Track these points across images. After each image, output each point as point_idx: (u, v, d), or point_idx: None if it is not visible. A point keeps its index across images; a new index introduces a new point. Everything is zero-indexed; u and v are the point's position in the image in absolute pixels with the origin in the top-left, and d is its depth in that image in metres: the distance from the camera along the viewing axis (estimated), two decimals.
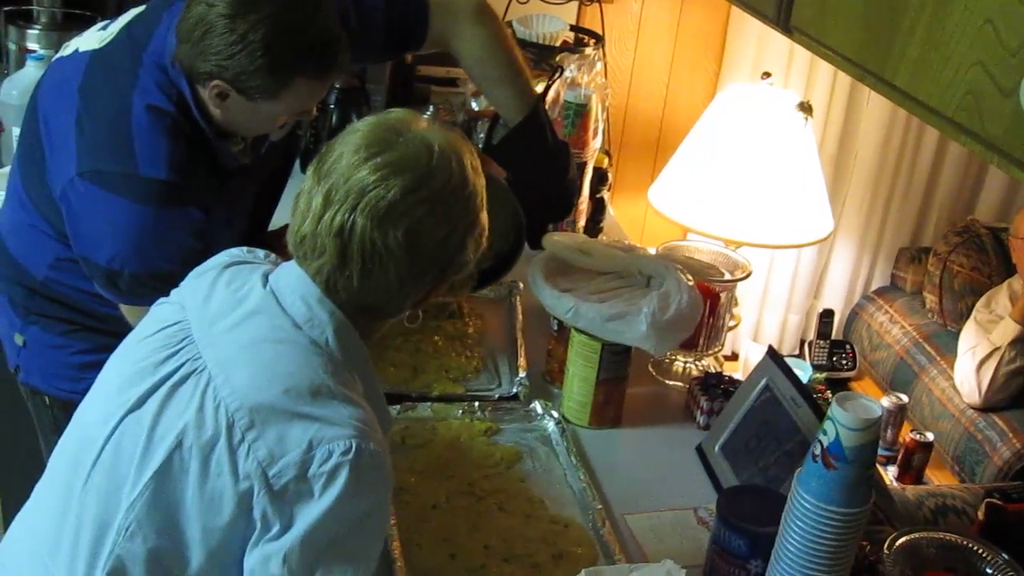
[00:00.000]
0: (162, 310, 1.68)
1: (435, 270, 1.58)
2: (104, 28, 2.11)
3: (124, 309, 2.11)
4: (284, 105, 1.97)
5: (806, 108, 3.23)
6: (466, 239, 1.59)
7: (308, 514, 1.45)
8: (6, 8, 3.13)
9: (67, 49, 2.15)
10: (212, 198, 2.06)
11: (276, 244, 1.67)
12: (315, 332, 1.55)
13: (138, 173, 1.96)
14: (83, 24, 3.09)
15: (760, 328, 4.36)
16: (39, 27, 3.12)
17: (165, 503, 1.50)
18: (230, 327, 1.57)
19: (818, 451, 1.48)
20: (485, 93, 2.58)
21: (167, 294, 1.69)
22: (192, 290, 1.67)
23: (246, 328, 1.56)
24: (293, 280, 1.58)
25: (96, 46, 2.07)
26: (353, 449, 1.45)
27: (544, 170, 2.39)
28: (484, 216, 1.63)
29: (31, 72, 2.96)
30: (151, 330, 1.65)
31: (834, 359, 4.23)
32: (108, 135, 1.99)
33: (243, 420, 1.47)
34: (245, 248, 1.75)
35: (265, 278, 1.62)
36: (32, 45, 3.10)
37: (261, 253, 1.74)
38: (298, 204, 1.57)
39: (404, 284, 1.55)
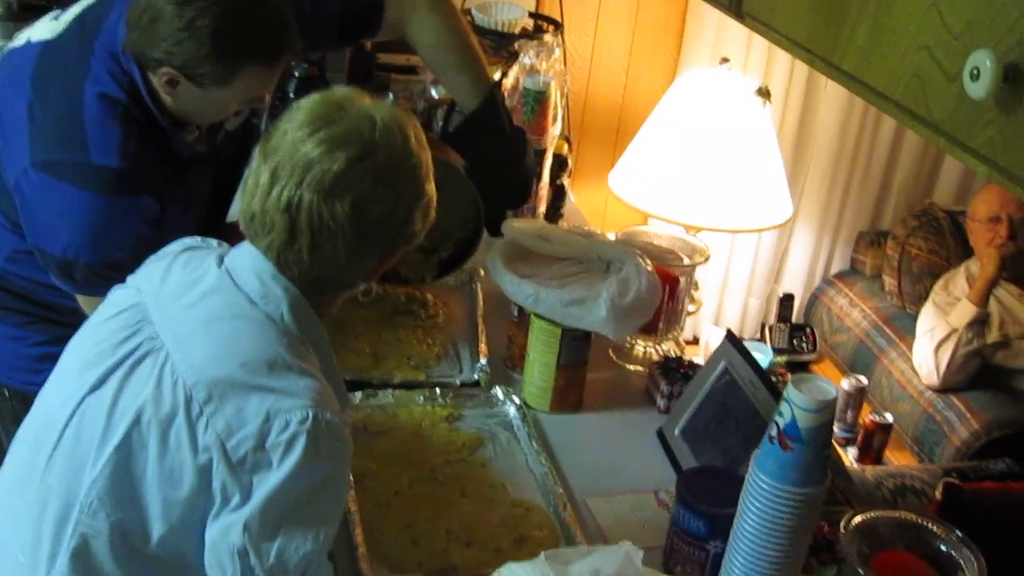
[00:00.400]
0: (119, 294, 1.70)
1: (383, 241, 1.61)
2: (56, 18, 2.10)
3: (80, 300, 2.10)
4: (235, 92, 1.97)
5: (764, 93, 3.25)
6: (413, 209, 1.61)
7: (267, 483, 1.47)
8: None
9: (19, 40, 2.14)
10: (167, 187, 2.05)
11: (232, 235, 1.67)
12: (270, 307, 1.57)
13: (91, 162, 1.95)
14: (39, 14, 3.06)
15: (721, 312, 4.39)
16: None
17: (126, 478, 1.52)
18: (187, 306, 1.59)
19: (774, 432, 1.49)
20: (441, 81, 2.58)
21: (122, 282, 1.71)
22: (148, 274, 1.69)
23: (202, 306, 1.59)
24: (247, 258, 1.60)
25: (48, 36, 2.06)
26: (310, 418, 1.48)
27: (501, 157, 2.39)
28: (431, 187, 1.65)
29: None
30: (109, 313, 1.67)
31: (795, 342, 4.26)
32: (60, 124, 1.98)
33: (201, 394, 1.49)
34: (198, 238, 1.76)
35: (220, 259, 1.64)
36: None
37: (214, 242, 1.75)
38: (247, 183, 1.60)
39: (353, 256, 1.58)
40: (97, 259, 2.00)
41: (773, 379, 2.15)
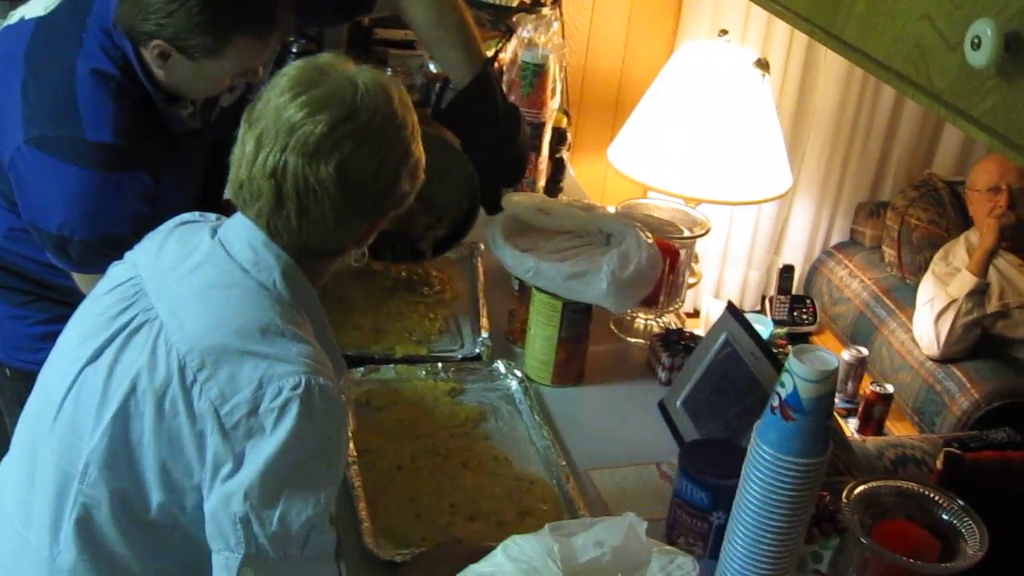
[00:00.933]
0: (116, 270, 1.70)
1: (371, 203, 1.61)
2: None
3: (76, 278, 2.10)
4: (227, 64, 1.96)
5: (763, 65, 3.24)
6: (399, 170, 1.61)
7: (263, 449, 1.48)
8: None
9: (12, 18, 2.14)
10: (162, 162, 2.05)
11: (230, 212, 1.68)
12: (263, 275, 1.58)
13: (85, 138, 1.95)
14: None
15: (721, 284, 4.39)
16: None
17: (123, 447, 1.54)
18: (180, 277, 1.60)
19: (776, 403, 1.50)
20: (435, 56, 2.59)
21: (119, 258, 1.71)
22: (144, 248, 1.70)
23: (196, 277, 1.59)
24: (239, 228, 1.61)
25: (41, 13, 2.06)
26: (303, 384, 1.48)
27: (495, 132, 2.39)
28: (418, 148, 1.65)
29: None
30: (107, 287, 1.68)
31: (795, 314, 4.27)
32: (54, 101, 1.98)
33: (194, 362, 1.50)
34: (197, 212, 1.77)
35: (213, 231, 1.65)
36: None
37: (212, 216, 1.76)
38: (234, 153, 1.61)
39: (341, 219, 1.58)
40: (92, 236, 2.00)
41: (774, 351, 2.16)
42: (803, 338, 4.19)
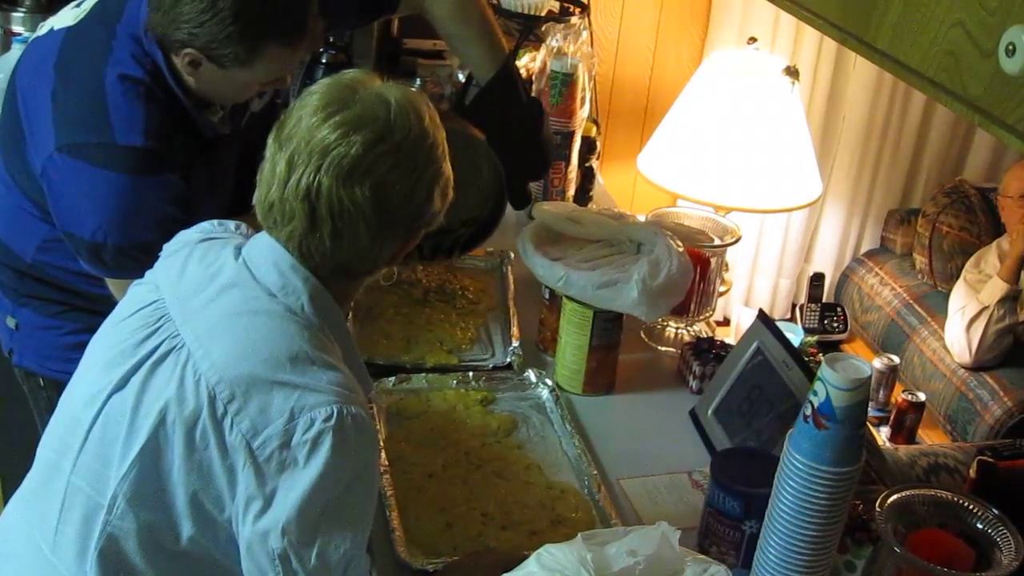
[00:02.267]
0: (137, 291, 1.69)
1: (404, 223, 1.59)
2: (78, 5, 2.12)
3: (111, 285, 2.11)
4: (257, 73, 1.97)
5: (792, 72, 3.23)
6: (432, 190, 1.59)
7: (298, 483, 1.46)
8: None
9: (42, 29, 2.16)
10: (192, 167, 2.06)
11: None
12: (290, 299, 1.56)
13: (115, 142, 1.96)
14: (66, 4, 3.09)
15: (751, 293, 4.38)
16: (24, 10, 3.11)
17: (153, 479, 1.52)
18: (205, 302, 1.58)
19: (809, 412, 1.49)
20: (457, 52, 2.63)
21: (151, 265, 1.70)
22: (165, 269, 1.68)
23: (221, 302, 1.57)
24: (265, 249, 1.59)
25: (71, 23, 2.08)
26: (335, 415, 1.47)
27: (519, 125, 2.41)
28: (448, 166, 1.64)
29: (17, 55, 2.95)
30: (128, 311, 1.65)
31: (825, 322, 4.25)
32: (83, 107, 1.99)
33: (224, 393, 1.48)
34: (216, 221, 1.76)
35: (237, 251, 1.63)
36: (18, 28, 3.09)
37: (232, 225, 1.75)
38: (263, 172, 1.59)
39: (376, 240, 1.56)
40: (125, 240, 2.01)
41: (805, 359, 2.15)
42: (834, 346, 4.17)
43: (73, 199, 2.03)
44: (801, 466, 1.51)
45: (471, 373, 2.23)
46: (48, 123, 2.01)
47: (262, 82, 2.04)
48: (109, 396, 1.57)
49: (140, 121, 1.98)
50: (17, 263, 2.25)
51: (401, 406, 2.13)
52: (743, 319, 3.75)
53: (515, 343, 2.34)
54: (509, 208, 2.75)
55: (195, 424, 1.49)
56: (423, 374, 2.22)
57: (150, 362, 1.56)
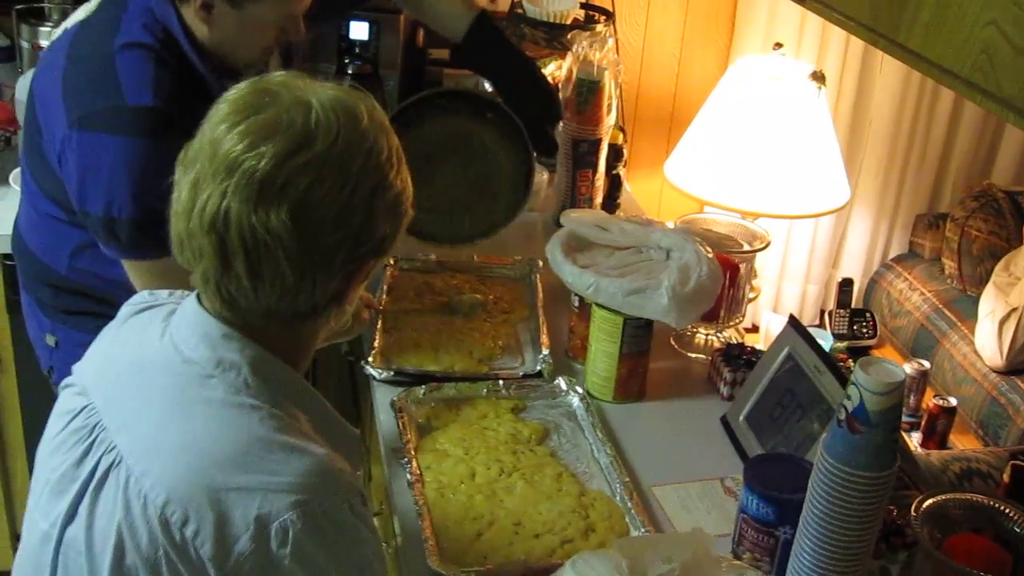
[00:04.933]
0: (66, 398, 1.49)
1: (340, 253, 1.33)
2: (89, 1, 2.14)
3: (130, 271, 2.07)
4: (270, 8, 1.98)
5: (819, 77, 3.22)
6: (374, 206, 1.34)
7: None
8: (18, 6, 3.14)
9: (56, 32, 2.19)
10: None
11: None
12: (229, 377, 1.34)
13: (127, 104, 1.95)
14: None
15: (780, 299, 4.36)
16: (51, 24, 3.12)
17: None
18: (136, 401, 1.38)
19: (843, 416, 1.48)
20: (429, 15, 2.60)
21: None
22: (91, 361, 1.51)
23: (152, 398, 1.37)
24: (190, 319, 1.39)
25: (83, 16, 2.10)
26: (309, 515, 1.27)
27: (518, 66, 2.46)
28: (399, 177, 1.39)
29: None
30: (60, 425, 1.46)
31: (855, 328, 4.23)
32: (93, 78, 2.00)
33: (175, 515, 1.27)
34: (148, 292, 1.57)
35: (165, 326, 1.43)
36: (44, 43, 3.10)
37: (164, 293, 1.55)
38: (174, 205, 1.36)
39: (304, 277, 1.31)
40: (139, 212, 1.98)
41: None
42: (863, 352, 4.15)
43: (87, 174, 2.01)
44: (836, 471, 1.50)
45: (501, 381, 2.23)
46: (59, 106, 2.01)
47: (276, 23, 2.04)
48: (62, 530, 1.38)
49: (149, 81, 1.96)
50: (53, 277, 2.26)
51: (432, 415, 2.13)
52: (772, 325, 3.73)
53: (545, 351, 2.32)
54: (536, 217, 2.78)
55: (157, 560, 1.28)
56: (453, 383, 2.21)
57: (92, 486, 1.35)
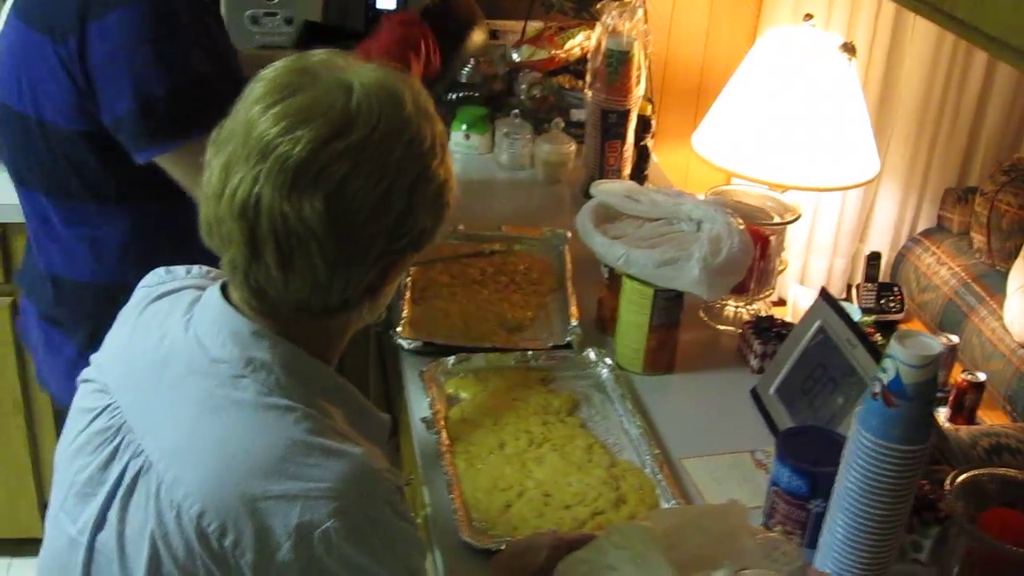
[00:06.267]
0: (86, 394, 1.44)
1: (377, 246, 1.27)
2: None
3: (176, 169, 1.93)
4: None
5: (849, 49, 3.19)
6: (414, 198, 1.28)
7: None
8: None
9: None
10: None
11: None
12: (261, 377, 1.29)
13: None
14: None
15: (807, 272, 4.34)
16: None
17: None
18: (162, 404, 1.32)
19: (878, 389, 1.47)
20: None
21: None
22: (111, 357, 1.45)
23: (180, 400, 1.31)
24: (215, 314, 1.33)
25: None
26: (351, 520, 1.24)
27: None
28: (442, 167, 1.32)
29: None
30: (82, 424, 1.41)
31: (882, 302, 4.20)
32: None
33: (212, 526, 1.23)
34: (164, 269, 1.51)
35: (186, 320, 1.37)
36: None
37: (181, 271, 1.50)
38: (204, 188, 1.29)
39: (338, 270, 1.26)
40: (174, 83, 1.86)
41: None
42: (890, 326, 4.13)
43: (111, 69, 1.86)
44: (870, 444, 1.49)
45: (531, 352, 2.22)
46: (46, 44, 1.89)
47: None
48: (92, 537, 1.34)
49: None
50: (97, 296, 2.10)
51: (461, 386, 2.12)
52: (800, 299, 3.71)
53: (574, 322, 2.31)
54: (564, 189, 2.77)
55: (194, 569, 1.25)
56: (483, 353, 2.20)
57: (121, 492, 1.31)
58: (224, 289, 1.37)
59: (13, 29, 2.00)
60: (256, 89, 1.26)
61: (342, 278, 1.27)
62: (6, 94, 2.01)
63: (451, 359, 2.17)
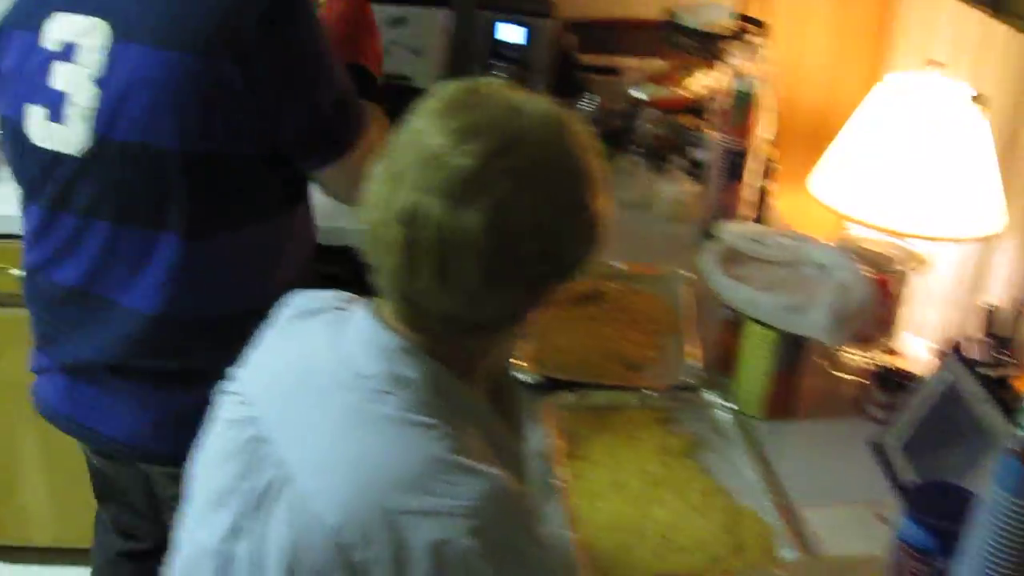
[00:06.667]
0: (227, 406, 1.47)
1: (529, 266, 1.29)
2: None
3: (341, 174, 2.02)
4: None
5: (980, 100, 3.15)
6: (571, 225, 1.31)
7: None
8: None
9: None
10: None
11: None
12: (406, 393, 1.31)
13: None
14: None
15: (922, 322, 4.27)
16: None
17: None
18: (306, 417, 1.35)
19: (1016, 447, 1.44)
20: None
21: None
22: (253, 371, 1.48)
23: (324, 414, 1.33)
24: (364, 331, 1.37)
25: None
26: (488, 541, 1.24)
27: None
28: (599, 203, 1.34)
29: None
30: (222, 434, 1.44)
31: (999, 355, 4.12)
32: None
33: (351, 537, 1.24)
34: (305, 292, 1.54)
35: (333, 335, 1.40)
36: None
37: (324, 293, 1.52)
38: (366, 195, 1.34)
39: (492, 284, 1.28)
40: (339, 89, 1.98)
41: None
42: (1006, 382, 4.04)
43: (294, 71, 1.92)
44: (1006, 502, 1.45)
45: (650, 391, 2.20)
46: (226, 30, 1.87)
47: None
48: (225, 546, 1.35)
49: None
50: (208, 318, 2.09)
51: (580, 422, 2.11)
52: (915, 349, 3.66)
53: (694, 363, 2.30)
54: (683, 228, 2.75)
55: None
56: (603, 390, 2.19)
57: (259, 502, 1.33)
58: (373, 310, 1.40)
59: (139, 56, 1.89)
60: (429, 104, 1.31)
61: (493, 294, 1.29)
62: (138, 131, 1.91)
63: (571, 395, 2.16)
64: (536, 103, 1.32)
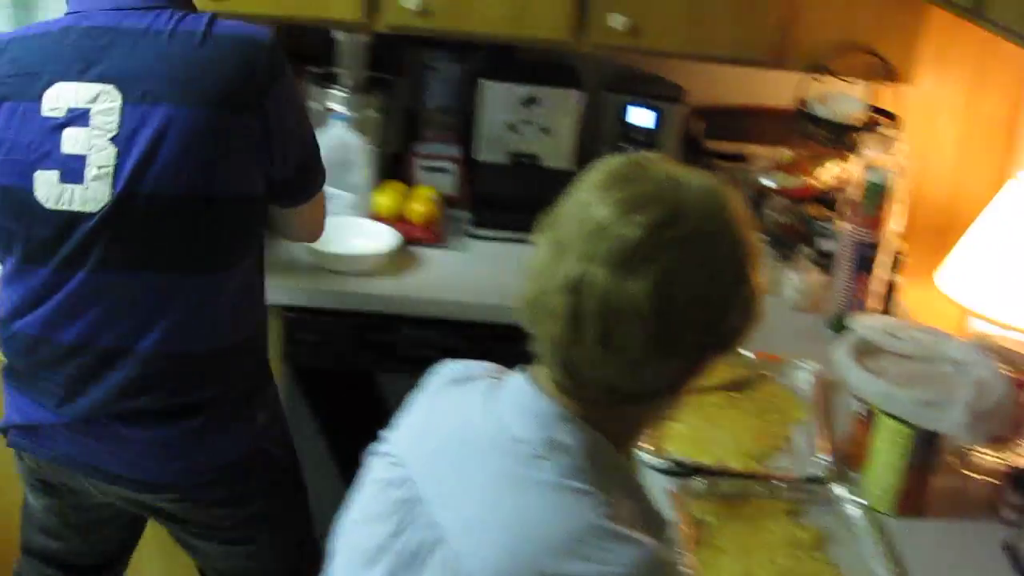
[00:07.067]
0: (380, 466, 1.49)
1: (691, 335, 1.30)
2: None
3: (303, 215, 2.36)
4: None
5: None
6: (731, 297, 1.31)
7: None
8: (312, 68, 3.25)
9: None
10: None
11: None
12: (561, 459, 1.31)
13: (268, 42, 2.10)
14: (384, 87, 3.20)
15: None
16: (346, 91, 3.19)
17: None
18: (460, 479, 1.35)
19: None
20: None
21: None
22: (406, 434, 1.50)
23: (478, 476, 1.34)
24: (519, 397, 1.38)
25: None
26: None
27: None
28: (756, 276, 1.35)
29: (336, 131, 3.06)
30: (375, 493, 1.46)
31: None
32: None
33: None
34: (456, 361, 1.56)
35: (486, 401, 1.41)
36: (336, 106, 3.17)
37: (480, 366, 1.54)
38: (529, 265, 1.36)
39: (654, 352, 1.28)
40: (312, 137, 2.27)
41: None
42: None
43: (287, 133, 2.14)
44: None
45: (779, 482, 2.18)
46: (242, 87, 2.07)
47: None
48: None
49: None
50: (241, 369, 2.26)
51: (707, 509, 2.09)
52: None
53: (823, 456, 2.27)
54: (811, 320, 2.73)
55: None
56: (729, 478, 2.17)
57: (410, 561, 1.34)
58: (529, 376, 1.41)
59: (164, 114, 2.01)
60: (592, 177, 1.34)
61: (653, 363, 1.29)
62: (168, 182, 2.02)
63: (701, 481, 2.14)
64: (696, 176, 1.34)
